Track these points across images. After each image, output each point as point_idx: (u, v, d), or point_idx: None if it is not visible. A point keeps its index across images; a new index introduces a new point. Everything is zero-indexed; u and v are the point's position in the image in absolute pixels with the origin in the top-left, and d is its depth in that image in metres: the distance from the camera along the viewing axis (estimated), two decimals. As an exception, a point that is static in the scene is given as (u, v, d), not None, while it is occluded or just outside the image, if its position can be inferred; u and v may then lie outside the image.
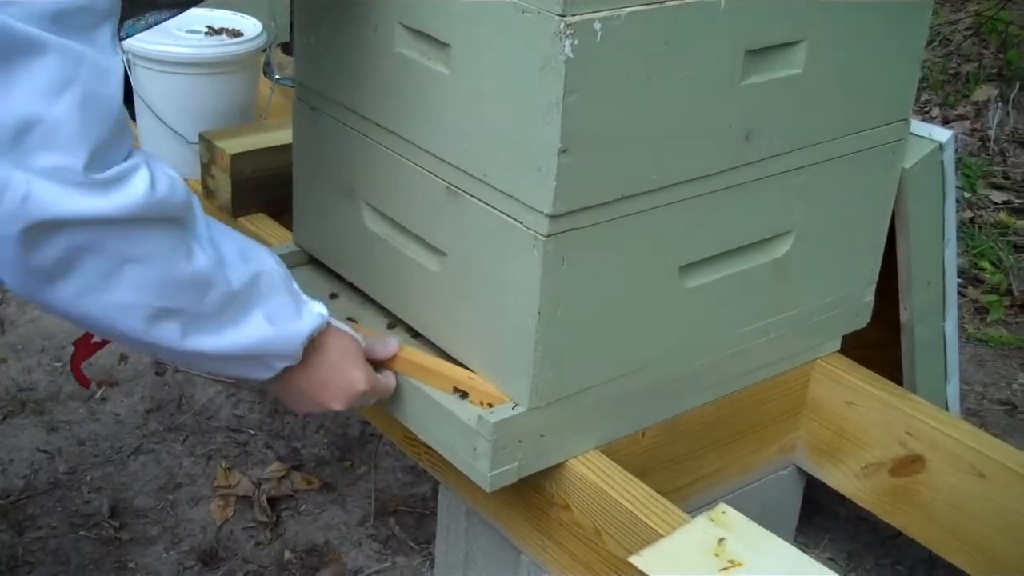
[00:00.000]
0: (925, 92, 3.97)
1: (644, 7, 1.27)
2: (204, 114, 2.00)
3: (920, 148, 1.69)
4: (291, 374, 1.35)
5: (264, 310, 1.28)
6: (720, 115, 1.41)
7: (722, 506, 1.40)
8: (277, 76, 2.25)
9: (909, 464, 1.70)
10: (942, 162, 1.71)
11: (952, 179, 1.75)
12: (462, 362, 1.49)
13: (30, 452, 2.18)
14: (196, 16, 1.99)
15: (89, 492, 2.11)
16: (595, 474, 1.48)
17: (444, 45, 1.37)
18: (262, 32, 2.07)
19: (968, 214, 3.19)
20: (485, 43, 1.32)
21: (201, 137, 1.95)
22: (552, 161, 1.28)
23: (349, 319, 1.59)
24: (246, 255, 1.27)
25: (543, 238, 1.32)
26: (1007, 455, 1.62)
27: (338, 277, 1.69)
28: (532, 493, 1.55)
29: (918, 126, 1.71)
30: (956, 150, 3.57)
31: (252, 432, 2.27)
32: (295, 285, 1.35)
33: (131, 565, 1.97)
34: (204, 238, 1.21)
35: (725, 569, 1.31)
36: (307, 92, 1.62)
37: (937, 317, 1.85)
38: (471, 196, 1.40)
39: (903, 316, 1.80)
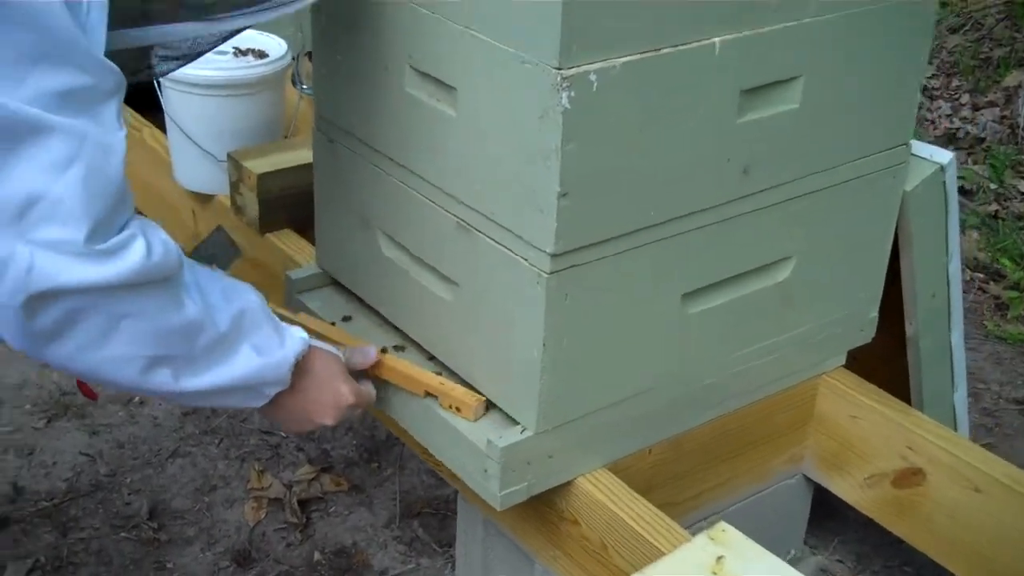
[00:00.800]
0: (955, 78, 3.97)
1: (639, 56, 1.32)
2: (233, 133, 2.08)
3: (922, 170, 1.73)
4: (282, 398, 1.43)
5: (251, 343, 1.35)
6: (717, 152, 1.45)
7: (722, 524, 1.46)
8: (304, 86, 2.31)
9: (910, 476, 1.75)
10: (944, 183, 1.75)
11: (955, 197, 1.78)
12: (474, 385, 1.56)
13: (72, 455, 2.28)
14: (223, 39, 2.06)
15: (129, 494, 2.20)
16: (602, 492, 1.55)
17: (451, 88, 1.43)
18: (287, 52, 2.14)
19: (993, 207, 3.20)
20: (489, 89, 1.37)
21: (229, 157, 2.02)
22: (552, 203, 1.34)
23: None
24: (228, 295, 1.34)
25: (546, 275, 1.38)
26: (1002, 471, 1.67)
27: (359, 298, 1.76)
28: (544, 508, 1.62)
29: (920, 147, 1.74)
30: (984, 139, 3.60)
31: (284, 435, 2.35)
32: (273, 315, 1.42)
33: (169, 565, 2.06)
34: (191, 286, 1.28)
35: (722, 587, 1.38)
36: (324, 123, 1.69)
37: (942, 328, 1.89)
38: (479, 232, 1.46)
39: (908, 330, 1.84)
